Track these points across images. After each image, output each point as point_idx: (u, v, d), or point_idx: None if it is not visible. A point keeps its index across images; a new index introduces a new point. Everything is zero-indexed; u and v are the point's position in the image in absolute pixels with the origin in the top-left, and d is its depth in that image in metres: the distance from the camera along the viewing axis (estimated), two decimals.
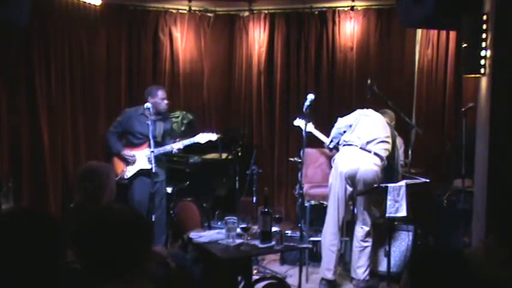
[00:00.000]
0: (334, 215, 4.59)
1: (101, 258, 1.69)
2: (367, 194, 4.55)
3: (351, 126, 4.75)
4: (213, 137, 5.19)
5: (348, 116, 4.88)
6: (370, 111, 4.86)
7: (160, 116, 5.20)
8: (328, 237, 4.59)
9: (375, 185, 4.49)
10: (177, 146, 5.09)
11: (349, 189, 4.57)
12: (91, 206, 3.02)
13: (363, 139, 4.60)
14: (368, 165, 4.50)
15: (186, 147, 5.20)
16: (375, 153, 4.55)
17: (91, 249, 1.70)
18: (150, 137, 4.72)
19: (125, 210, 1.81)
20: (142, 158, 5.12)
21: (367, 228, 4.58)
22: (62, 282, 1.82)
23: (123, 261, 1.68)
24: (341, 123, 4.85)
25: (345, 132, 4.78)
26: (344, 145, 4.71)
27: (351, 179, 4.53)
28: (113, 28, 6.49)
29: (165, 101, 5.18)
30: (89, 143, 6.26)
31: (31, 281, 1.63)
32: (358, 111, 4.86)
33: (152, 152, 4.69)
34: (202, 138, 5.15)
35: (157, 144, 5.02)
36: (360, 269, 4.58)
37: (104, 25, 6.38)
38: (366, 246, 4.58)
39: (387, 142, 4.67)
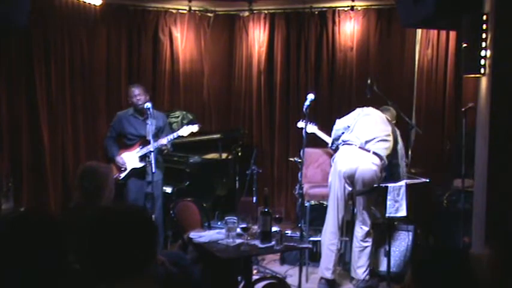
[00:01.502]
0: (334, 214, 4.58)
1: (102, 259, 1.68)
2: (367, 193, 4.54)
3: (349, 127, 4.73)
4: (194, 128, 5.13)
5: (346, 116, 4.86)
6: (370, 109, 4.85)
7: (146, 115, 4.98)
8: (328, 236, 4.59)
9: (375, 185, 4.48)
10: (161, 141, 5.03)
11: (348, 188, 4.56)
12: (90, 206, 3.02)
13: (361, 138, 4.59)
14: (367, 165, 4.49)
15: (172, 141, 5.11)
16: (374, 153, 4.54)
17: (92, 250, 1.69)
18: (150, 137, 4.72)
19: (128, 210, 1.80)
20: (133, 157, 5.13)
21: (366, 228, 4.57)
22: (61, 282, 1.82)
23: (125, 262, 1.68)
24: (339, 125, 4.83)
25: (343, 133, 4.77)
26: (343, 144, 4.70)
27: (350, 179, 4.53)
28: (113, 28, 6.49)
29: (138, 97, 5.08)
30: (89, 143, 6.27)
31: (31, 281, 1.63)
32: (357, 110, 4.85)
33: (152, 152, 4.69)
34: (185, 131, 5.09)
35: (148, 143, 4.98)
36: (360, 269, 4.57)
37: (104, 25, 6.38)
38: (366, 246, 4.57)
39: (387, 141, 4.65)
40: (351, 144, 4.61)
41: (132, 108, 5.19)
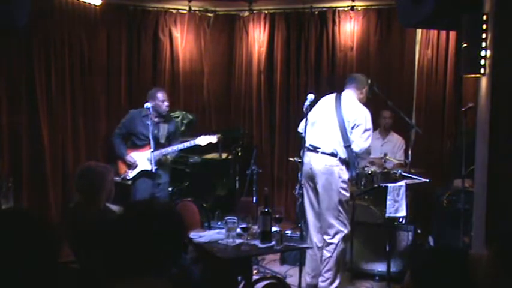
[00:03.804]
0: (307, 220, 4.53)
1: (127, 257, 1.67)
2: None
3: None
4: (213, 139, 5.19)
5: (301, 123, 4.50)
6: (319, 110, 4.46)
7: (163, 118, 5.21)
8: (309, 241, 4.51)
9: (342, 180, 4.27)
10: (178, 147, 5.09)
11: (311, 191, 4.43)
12: (89, 206, 3.03)
13: (309, 143, 4.38)
14: (318, 165, 4.31)
15: (187, 149, 5.21)
16: (322, 152, 4.33)
17: (117, 249, 1.68)
18: (151, 138, 4.74)
19: (161, 210, 1.79)
20: (144, 159, 5.13)
21: (327, 237, 4.35)
22: (61, 283, 1.81)
23: (149, 260, 1.67)
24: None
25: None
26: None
27: (310, 179, 4.40)
28: (113, 28, 6.49)
29: (166, 103, 5.17)
30: (89, 143, 6.26)
31: (22, 282, 1.62)
32: (312, 112, 4.45)
33: (152, 152, 4.70)
34: (203, 140, 5.15)
35: (160, 146, 5.04)
36: (321, 278, 4.36)
37: (104, 25, 6.38)
38: (326, 258, 4.32)
39: (334, 139, 4.32)
40: (305, 149, 4.37)
41: (155, 112, 5.13)
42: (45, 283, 1.67)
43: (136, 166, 5.16)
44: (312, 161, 4.36)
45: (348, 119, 4.32)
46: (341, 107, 4.38)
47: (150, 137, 4.75)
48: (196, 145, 5.14)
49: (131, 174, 5.18)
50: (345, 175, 4.32)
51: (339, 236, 4.31)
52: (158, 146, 4.99)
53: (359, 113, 4.35)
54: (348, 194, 4.36)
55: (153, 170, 4.65)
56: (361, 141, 4.30)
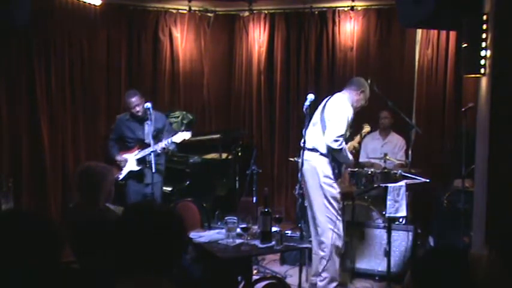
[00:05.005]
0: (308, 221, 4.51)
1: (127, 257, 1.67)
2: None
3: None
4: (187, 135, 5.11)
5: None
6: (317, 113, 4.47)
7: (145, 117, 5.07)
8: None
9: (324, 176, 4.24)
10: (159, 146, 5.04)
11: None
12: (89, 206, 3.02)
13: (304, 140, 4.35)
14: (304, 160, 4.24)
15: (170, 145, 5.13)
16: (307, 149, 4.28)
17: (117, 249, 1.68)
18: (150, 138, 4.73)
19: (161, 210, 1.80)
20: (131, 160, 5.16)
21: (318, 238, 4.32)
22: (63, 283, 1.81)
23: (151, 260, 1.67)
24: None
25: None
26: None
27: (303, 177, 4.37)
28: (113, 28, 6.50)
29: (137, 108, 5.06)
30: (89, 143, 6.27)
31: (28, 282, 1.62)
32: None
33: (152, 152, 4.70)
34: (178, 137, 5.04)
35: (147, 146, 5.02)
36: (319, 278, 4.35)
37: (104, 25, 6.39)
38: (321, 256, 4.30)
39: (316, 139, 4.32)
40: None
41: (129, 113, 5.19)
42: (48, 283, 1.67)
43: (125, 164, 5.20)
44: (304, 157, 4.31)
45: (327, 115, 4.34)
46: (326, 105, 4.43)
47: (150, 137, 4.74)
48: (173, 142, 5.07)
49: (121, 175, 5.21)
50: (328, 170, 4.29)
51: (329, 234, 4.25)
52: (144, 146, 5.02)
53: (337, 108, 4.33)
54: (334, 191, 4.31)
55: (153, 170, 4.65)
56: (330, 131, 4.23)
